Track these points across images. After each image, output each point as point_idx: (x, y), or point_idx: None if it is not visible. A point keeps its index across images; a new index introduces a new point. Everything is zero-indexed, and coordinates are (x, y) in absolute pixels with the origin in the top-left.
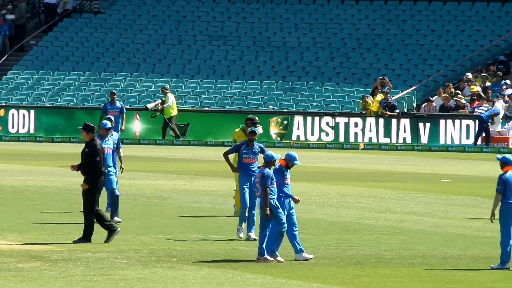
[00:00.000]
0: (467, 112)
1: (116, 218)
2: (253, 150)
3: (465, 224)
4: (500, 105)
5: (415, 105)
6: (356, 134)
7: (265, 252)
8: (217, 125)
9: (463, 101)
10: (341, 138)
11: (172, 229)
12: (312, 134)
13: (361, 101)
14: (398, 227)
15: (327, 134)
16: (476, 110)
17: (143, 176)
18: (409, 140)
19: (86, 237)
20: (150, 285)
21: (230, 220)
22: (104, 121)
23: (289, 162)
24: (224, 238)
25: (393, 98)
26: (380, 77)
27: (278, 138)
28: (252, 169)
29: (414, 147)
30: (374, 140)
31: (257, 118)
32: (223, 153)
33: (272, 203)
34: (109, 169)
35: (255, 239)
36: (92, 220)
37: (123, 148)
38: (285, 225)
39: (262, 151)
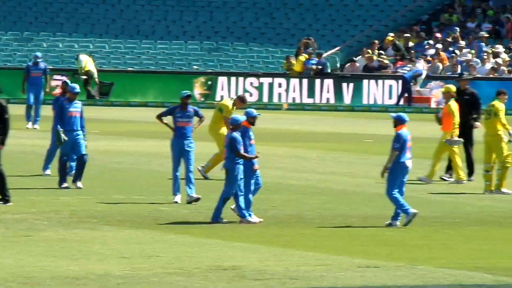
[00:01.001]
0: (390, 72)
1: (78, 184)
2: (187, 113)
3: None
4: (422, 66)
5: (338, 66)
6: (280, 94)
7: (246, 214)
8: (141, 86)
9: (386, 61)
10: (265, 99)
11: (93, 190)
12: (236, 94)
13: (285, 62)
14: (319, 187)
15: (251, 95)
16: (399, 70)
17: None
18: (332, 101)
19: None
20: (71, 246)
21: (152, 180)
22: (73, 85)
23: (250, 118)
24: (145, 198)
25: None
26: (305, 38)
27: (202, 99)
28: (186, 132)
29: (337, 107)
30: (297, 101)
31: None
32: (156, 115)
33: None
34: (77, 132)
35: (198, 198)
36: (5, 179)
37: (46, 108)
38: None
39: (196, 114)
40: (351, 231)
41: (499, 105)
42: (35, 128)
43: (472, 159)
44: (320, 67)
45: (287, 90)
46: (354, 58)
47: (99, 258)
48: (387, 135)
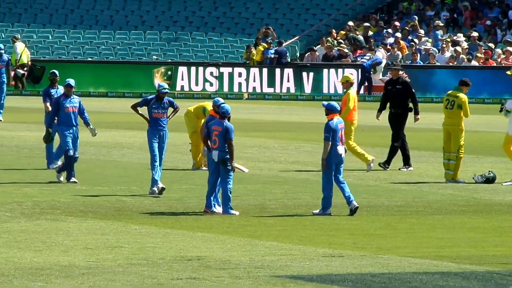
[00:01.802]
0: (350, 61)
1: (61, 178)
2: (163, 105)
3: (348, 173)
4: (381, 54)
5: (298, 55)
6: (240, 84)
7: (213, 205)
8: (100, 76)
9: (346, 50)
10: (225, 88)
11: (56, 181)
12: (196, 84)
13: (245, 51)
14: (282, 176)
15: (211, 84)
16: (358, 59)
17: (26, 128)
18: (292, 90)
19: None
20: (34, 237)
21: (114, 171)
22: (70, 80)
23: (216, 107)
24: (108, 189)
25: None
26: (264, 27)
27: None
28: (162, 123)
29: (298, 96)
30: (258, 90)
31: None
32: (131, 105)
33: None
34: (74, 129)
35: (163, 188)
36: None
37: (11, 100)
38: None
39: (171, 105)
40: (315, 221)
41: (464, 97)
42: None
43: (396, 149)
44: (277, 56)
45: (247, 80)
46: (314, 48)
47: (63, 249)
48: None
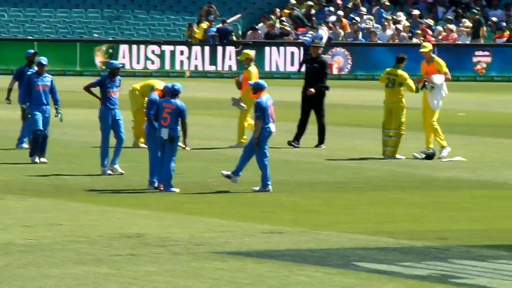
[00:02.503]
0: (292, 39)
1: (42, 159)
2: (116, 83)
3: (290, 150)
4: (323, 32)
5: (240, 33)
6: (182, 62)
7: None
8: (42, 54)
9: (288, 28)
10: (167, 67)
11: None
12: (138, 62)
13: (186, 29)
14: (224, 154)
15: (153, 63)
16: (300, 37)
17: None
18: (234, 68)
19: None
20: None
21: (54, 149)
22: (41, 57)
23: (167, 92)
24: (47, 167)
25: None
26: (206, 5)
27: (104, 67)
28: (115, 102)
29: (239, 74)
30: (200, 68)
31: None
32: (84, 87)
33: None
34: (47, 107)
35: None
36: None
37: None
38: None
39: (119, 83)
40: (255, 198)
41: (404, 74)
42: None
43: (324, 127)
44: (217, 34)
45: (189, 58)
46: (256, 26)
47: (1, 227)
48: (291, 102)
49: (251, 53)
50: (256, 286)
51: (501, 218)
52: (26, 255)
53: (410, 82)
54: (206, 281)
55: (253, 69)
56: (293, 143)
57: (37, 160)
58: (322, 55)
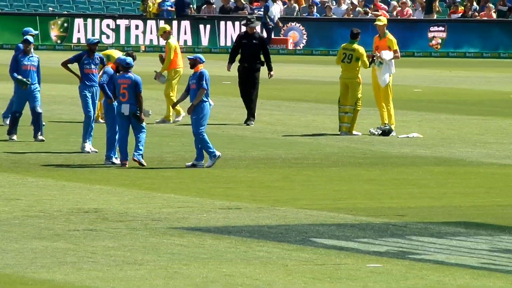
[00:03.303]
0: (247, 13)
1: (39, 137)
2: (94, 60)
3: (244, 126)
4: (278, 8)
5: (195, 7)
6: (137, 36)
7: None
8: None
9: (242, 1)
10: (122, 41)
11: None
12: (93, 36)
13: (141, 3)
14: (179, 129)
15: (108, 37)
16: (255, 11)
17: None
18: (190, 42)
19: None
20: None
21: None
22: (28, 36)
23: (120, 65)
24: (4, 142)
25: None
26: None
27: (59, 41)
28: (94, 79)
29: (195, 49)
30: (155, 43)
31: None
32: (61, 62)
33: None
34: (33, 86)
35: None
36: None
37: None
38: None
39: (102, 61)
40: (212, 173)
41: (361, 49)
42: None
43: (254, 103)
44: (174, 7)
45: (144, 32)
46: (211, 0)
47: None
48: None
49: (167, 26)
50: (215, 261)
51: (459, 195)
52: None
53: (366, 59)
54: (165, 256)
55: (172, 41)
56: (248, 123)
57: (14, 137)
58: (257, 31)
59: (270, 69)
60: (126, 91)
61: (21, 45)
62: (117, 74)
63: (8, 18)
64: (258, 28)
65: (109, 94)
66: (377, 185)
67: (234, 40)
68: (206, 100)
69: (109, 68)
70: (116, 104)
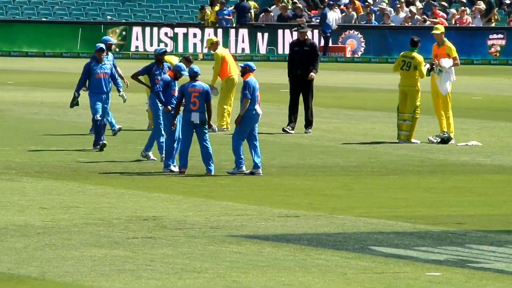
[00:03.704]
0: (305, 21)
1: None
2: (164, 70)
3: (304, 133)
4: (336, 15)
5: (253, 15)
6: (195, 44)
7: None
8: (54, 36)
9: (301, 9)
10: (180, 49)
11: (11, 141)
12: (151, 45)
13: (199, 12)
14: None
15: (166, 45)
16: (313, 19)
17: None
18: (247, 51)
19: None
20: None
21: (69, 131)
22: (101, 45)
23: (178, 72)
24: (63, 150)
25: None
26: None
27: (117, 49)
28: None
29: (252, 57)
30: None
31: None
32: (131, 75)
33: None
34: (105, 95)
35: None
36: None
37: None
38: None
39: (169, 69)
40: (270, 181)
41: (420, 58)
42: None
43: (311, 110)
44: (230, 17)
45: (202, 40)
46: (268, 8)
47: (19, 209)
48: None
49: (214, 38)
50: (273, 269)
51: None
52: (43, 237)
53: (423, 68)
54: (223, 264)
55: (219, 51)
56: (287, 129)
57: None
58: (309, 38)
59: (313, 71)
60: (197, 99)
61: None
62: (175, 81)
63: (68, 27)
64: (310, 35)
65: (164, 102)
66: (436, 193)
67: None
68: (251, 108)
69: (167, 75)
70: (182, 112)
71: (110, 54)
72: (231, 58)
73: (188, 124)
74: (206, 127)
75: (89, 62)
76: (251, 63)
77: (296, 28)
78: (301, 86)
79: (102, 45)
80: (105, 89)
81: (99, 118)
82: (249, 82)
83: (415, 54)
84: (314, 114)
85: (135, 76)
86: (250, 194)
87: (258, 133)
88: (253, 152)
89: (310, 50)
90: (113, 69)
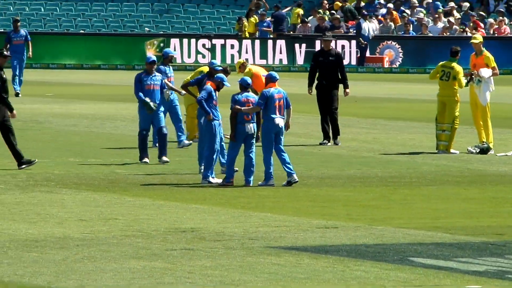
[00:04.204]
0: (342, 32)
1: (164, 158)
2: (154, 78)
3: (342, 144)
4: (374, 26)
5: (290, 26)
6: (232, 56)
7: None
8: (93, 48)
9: (339, 20)
10: (218, 60)
11: (50, 153)
12: (189, 56)
13: (236, 23)
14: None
15: (203, 56)
16: (351, 30)
17: (19, 100)
18: (285, 61)
19: None
20: (29, 209)
21: (107, 143)
22: (152, 56)
23: (220, 83)
24: (101, 161)
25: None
26: None
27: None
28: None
29: (290, 68)
30: (250, 62)
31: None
32: (182, 85)
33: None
34: (158, 105)
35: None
36: None
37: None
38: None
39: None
40: (308, 192)
41: (459, 68)
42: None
43: (337, 120)
44: (270, 28)
45: (239, 52)
46: (306, 19)
47: (58, 221)
48: (341, 95)
49: (242, 59)
50: (312, 281)
51: None
52: (82, 249)
53: (462, 78)
54: (262, 276)
55: (251, 67)
56: (335, 142)
57: (146, 160)
58: (333, 48)
59: (346, 86)
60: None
61: (162, 67)
62: (217, 92)
63: (106, 39)
64: (345, 44)
65: (208, 110)
66: (475, 204)
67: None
68: (269, 118)
69: (208, 85)
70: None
71: (159, 74)
72: (264, 71)
73: (242, 134)
74: (254, 138)
75: (140, 74)
76: (274, 73)
77: (321, 38)
78: (327, 97)
79: (154, 57)
80: (156, 101)
81: (146, 131)
82: (265, 93)
83: (454, 64)
84: (345, 124)
85: (185, 86)
86: (289, 205)
87: (292, 145)
88: (283, 163)
89: (336, 60)
90: (163, 80)
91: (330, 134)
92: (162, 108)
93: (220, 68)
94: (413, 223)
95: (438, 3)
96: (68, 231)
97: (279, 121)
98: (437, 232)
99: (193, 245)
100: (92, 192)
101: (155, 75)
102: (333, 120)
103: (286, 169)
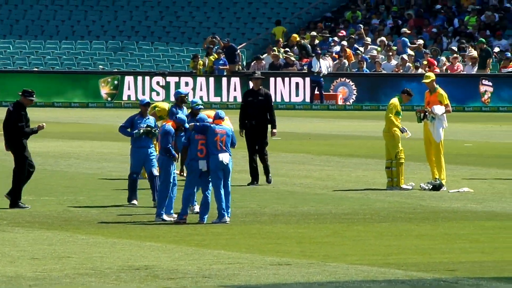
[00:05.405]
0: (296, 69)
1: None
2: (147, 120)
3: (296, 181)
4: (328, 63)
5: (245, 63)
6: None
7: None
8: (46, 86)
9: (292, 58)
10: (172, 98)
11: (1, 191)
12: (143, 93)
13: (191, 60)
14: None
15: (158, 94)
16: (305, 67)
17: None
18: (239, 99)
19: None
20: None
21: (60, 181)
22: (145, 98)
23: (181, 125)
24: (55, 199)
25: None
26: (210, 36)
27: (109, 98)
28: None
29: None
30: (205, 99)
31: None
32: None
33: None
34: (150, 150)
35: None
36: None
37: None
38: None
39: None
40: (262, 229)
41: (393, 101)
42: None
43: (267, 158)
44: (226, 66)
45: (194, 89)
46: (260, 56)
47: (10, 260)
48: (295, 133)
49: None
50: None
51: (511, 250)
52: None
53: (392, 113)
54: None
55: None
56: (253, 184)
57: (134, 202)
58: (262, 87)
59: (273, 126)
60: (204, 147)
61: (174, 109)
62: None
63: (59, 76)
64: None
65: (174, 154)
66: (427, 240)
67: (284, 95)
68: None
69: (169, 126)
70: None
71: (151, 117)
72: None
73: (196, 172)
74: (210, 176)
75: (134, 115)
76: (220, 111)
77: (250, 77)
78: (256, 136)
79: (148, 100)
80: (145, 143)
81: (136, 174)
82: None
83: (392, 100)
84: (299, 161)
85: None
86: (242, 242)
87: (245, 182)
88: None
89: (265, 100)
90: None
91: (262, 172)
92: (154, 152)
93: (201, 107)
94: (366, 259)
95: (407, 40)
96: (21, 270)
97: (223, 158)
98: (389, 268)
99: (147, 284)
100: (45, 230)
101: (148, 118)
102: (263, 160)
103: (222, 208)
